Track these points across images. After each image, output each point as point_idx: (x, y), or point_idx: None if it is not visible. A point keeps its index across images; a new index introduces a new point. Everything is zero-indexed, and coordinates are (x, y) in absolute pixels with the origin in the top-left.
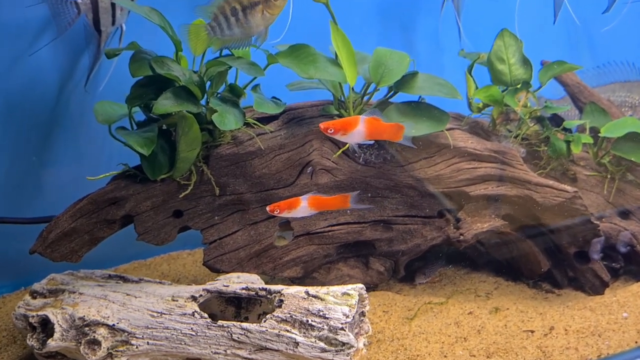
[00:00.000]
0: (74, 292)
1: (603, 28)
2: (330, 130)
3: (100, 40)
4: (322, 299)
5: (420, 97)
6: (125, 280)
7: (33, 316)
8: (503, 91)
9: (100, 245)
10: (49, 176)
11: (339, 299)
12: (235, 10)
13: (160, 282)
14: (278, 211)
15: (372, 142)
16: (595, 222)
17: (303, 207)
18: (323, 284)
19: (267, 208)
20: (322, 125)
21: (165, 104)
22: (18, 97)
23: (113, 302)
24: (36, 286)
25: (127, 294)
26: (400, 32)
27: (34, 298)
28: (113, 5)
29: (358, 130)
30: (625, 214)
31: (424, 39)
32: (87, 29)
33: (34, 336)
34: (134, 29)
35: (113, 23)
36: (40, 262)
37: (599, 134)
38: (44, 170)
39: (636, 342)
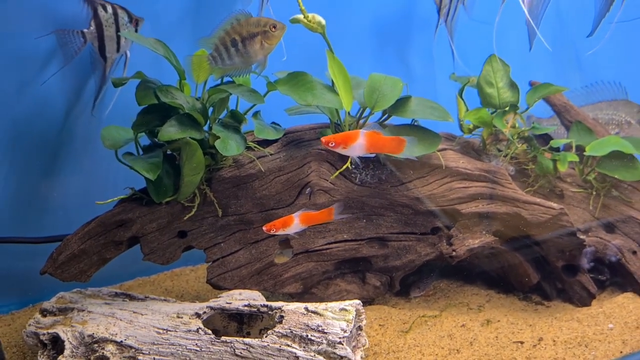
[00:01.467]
0: (83, 310)
1: (588, 52)
2: (332, 143)
3: (105, 66)
4: (320, 315)
5: (413, 120)
6: (131, 298)
7: (44, 334)
8: (492, 113)
9: None
10: (56, 197)
11: (337, 315)
12: (235, 41)
13: (165, 300)
14: (274, 230)
15: (372, 155)
16: (581, 236)
17: (296, 223)
18: (322, 299)
19: (264, 228)
20: (323, 139)
21: (170, 131)
22: (27, 121)
23: (120, 320)
24: (46, 305)
25: (134, 312)
26: (395, 54)
27: (44, 316)
28: (118, 32)
29: (359, 143)
30: (610, 228)
31: (418, 61)
32: (93, 56)
33: (45, 353)
34: (140, 55)
35: (118, 50)
36: (47, 280)
37: (585, 152)
38: (51, 192)
39: (621, 352)
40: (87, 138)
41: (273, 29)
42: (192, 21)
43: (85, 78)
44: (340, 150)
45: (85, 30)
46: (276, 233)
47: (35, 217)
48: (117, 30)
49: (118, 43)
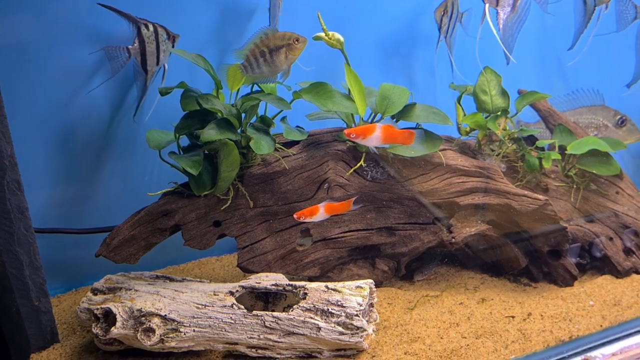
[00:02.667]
0: (130, 290)
1: (568, 62)
2: (353, 135)
3: (146, 77)
4: (339, 292)
5: (417, 123)
6: (171, 280)
7: (97, 309)
8: (486, 117)
9: None
10: (99, 193)
11: (354, 291)
12: (264, 53)
13: (201, 281)
14: (303, 217)
15: (388, 145)
16: (564, 225)
17: (321, 212)
18: (336, 282)
19: (295, 215)
20: (346, 131)
21: (211, 133)
22: (75, 125)
23: (164, 297)
24: (96, 285)
25: (176, 290)
26: (401, 67)
27: (95, 294)
28: (158, 48)
29: (375, 134)
30: (589, 218)
31: (421, 72)
32: (135, 68)
33: (99, 325)
34: (176, 67)
35: (157, 63)
36: (88, 268)
37: (566, 151)
38: (95, 189)
39: (601, 326)
40: (128, 141)
41: (296, 42)
42: (219, 38)
43: (128, 88)
44: (359, 140)
45: (130, 46)
46: (304, 220)
47: (80, 210)
48: (157, 46)
49: (158, 57)
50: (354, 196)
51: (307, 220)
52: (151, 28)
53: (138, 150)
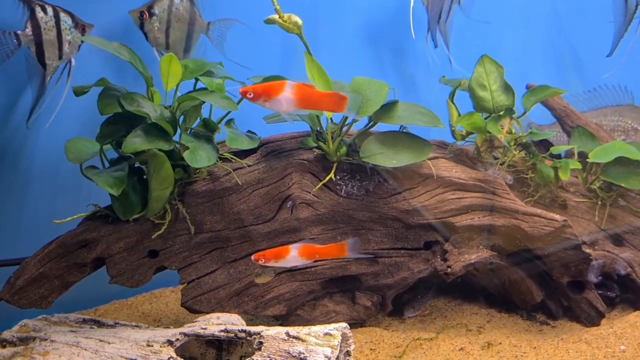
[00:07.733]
0: (45, 340)
1: (605, 74)
2: (250, 94)
3: (45, 74)
4: (303, 340)
5: (401, 126)
6: (100, 324)
7: None
8: (486, 118)
9: (78, 285)
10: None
11: (321, 340)
12: None
13: (137, 326)
14: (263, 260)
15: (306, 112)
16: (587, 250)
17: (292, 256)
18: (308, 321)
19: (252, 257)
20: (241, 90)
21: (135, 142)
22: None
23: (85, 350)
24: (6, 334)
25: (101, 340)
26: (388, 58)
27: (4, 347)
28: (60, 37)
29: (284, 96)
30: (618, 241)
31: (414, 63)
32: (29, 62)
33: None
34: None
35: (60, 57)
36: (12, 307)
37: (588, 159)
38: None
39: None
40: (29, 151)
41: None
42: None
43: (21, 86)
44: (261, 103)
45: (19, 32)
46: (267, 264)
47: None
48: (59, 34)
49: (60, 49)
50: (355, 238)
51: (270, 264)
52: (50, 11)
53: (56, 163)
